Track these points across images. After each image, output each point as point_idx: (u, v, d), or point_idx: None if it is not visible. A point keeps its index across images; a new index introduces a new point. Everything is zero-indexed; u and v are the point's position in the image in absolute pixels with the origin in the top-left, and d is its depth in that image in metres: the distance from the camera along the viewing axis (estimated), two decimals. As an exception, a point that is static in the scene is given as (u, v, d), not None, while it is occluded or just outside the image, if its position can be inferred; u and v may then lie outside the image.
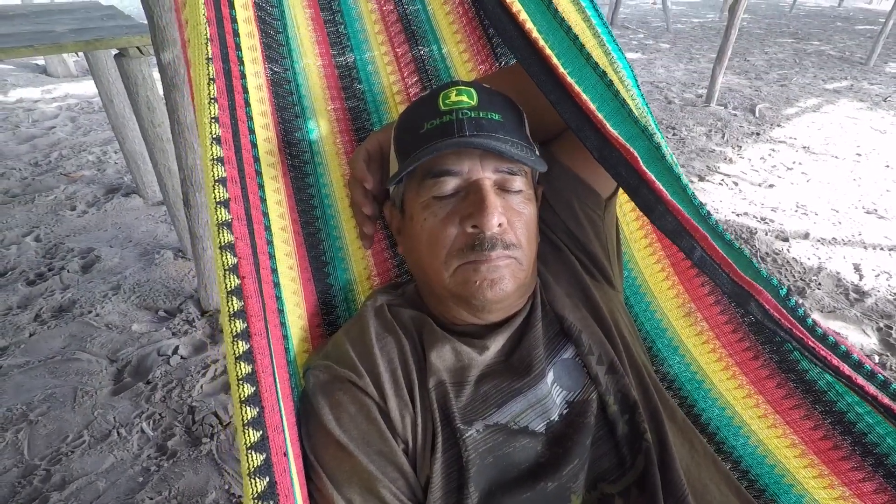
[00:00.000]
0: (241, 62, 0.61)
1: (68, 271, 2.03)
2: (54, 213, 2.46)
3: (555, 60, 0.58)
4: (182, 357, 1.64)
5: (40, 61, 4.83)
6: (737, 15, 3.61)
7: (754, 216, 2.49)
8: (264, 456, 0.35)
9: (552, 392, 0.63)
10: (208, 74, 0.41)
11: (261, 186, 0.61)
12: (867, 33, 7.41)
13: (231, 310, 0.38)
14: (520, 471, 0.59)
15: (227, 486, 1.24)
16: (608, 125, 0.57)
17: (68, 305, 1.85)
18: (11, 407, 1.43)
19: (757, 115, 3.90)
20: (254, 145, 0.61)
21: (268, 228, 0.61)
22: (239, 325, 0.37)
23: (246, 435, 0.35)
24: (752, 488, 0.73)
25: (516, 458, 0.59)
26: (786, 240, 2.29)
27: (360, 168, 0.72)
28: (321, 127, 0.78)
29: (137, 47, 1.61)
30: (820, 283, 1.98)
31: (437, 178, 0.61)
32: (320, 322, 0.74)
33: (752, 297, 0.55)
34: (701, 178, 2.88)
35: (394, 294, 0.73)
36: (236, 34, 0.60)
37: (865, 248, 2.24)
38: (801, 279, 2.01)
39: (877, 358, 1.62)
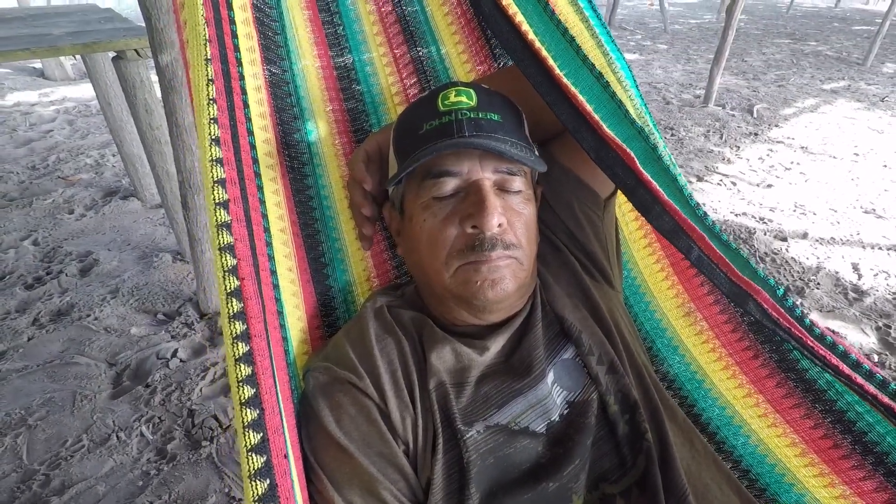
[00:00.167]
0: (240, 63, 0.61)
1: (66, 275, 2.03)
2: (52, 217, 2.45)
3: (551, 62, 0.58)
4: (181, 360, 1.63)
5: (38, 65, 4.83)
6: (734, 16, 3.62)
7: (753, 216, 2.49)
8: (265, 458, 0.35)
9: (552, 392, 0.63)
10: (207, 75, 0.41)
11: (260, 188, 0.61)
12: (864, 34, 7.44)
13: (231, 311, 0.38)
14: (521, 471, 0.58)
15: (227, 490, 1.24)
16: (604, 126, 0.57)
17: (67, 309, 1.85)
18: (10, 412, 1.43)
19: (755, 115, 3.91)
20: (253, 147, 0.61)
21: (267, 230, 0.61)
22: (239, 327, 0.37)
23: (246, 437, 0.35)
24: (752, 487, 0.73)
25: (517, 458, 0.59)
26: (784, 239, 2.29)
27: (360, 169, 0.72)
28: (320, 128, 0.78)
29: (135, 50, 1.61)
30: (819, 283, 1.99)
31: (437, 179, 0.61)
32: (320, 324, 0.74)
33: (750, 297, 0.55)
34: (699, 179, 2.88)
35: (393, 295, 0.73)
36: (234, 35, 0.60)
37: (864, 247, 2.25)
38: (799, 279, 2.02)
39: (876, 357, 1.62)
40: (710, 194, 2.71)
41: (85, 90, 4.28)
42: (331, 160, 0.77)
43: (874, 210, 2.56)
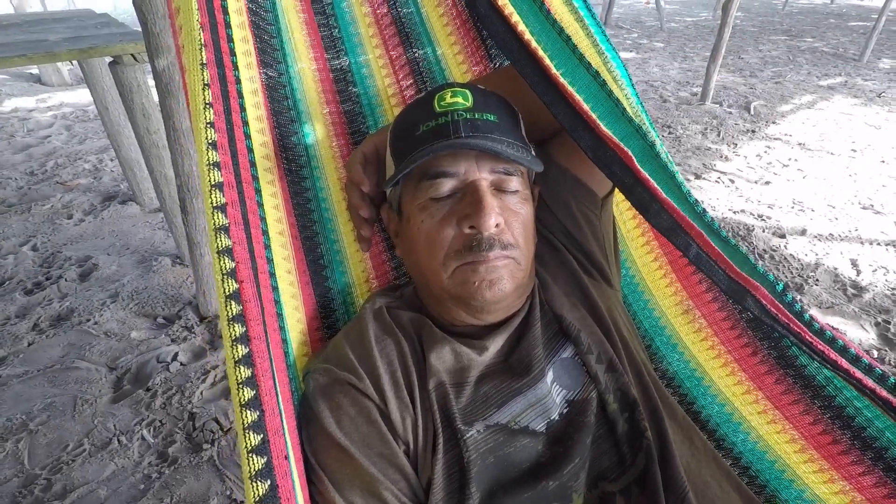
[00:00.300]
0: (236, 67, 0.61)
1: (66, 280, 2.03)
2: (51, 222, 2.45)
3: (548, 62, 0.58)
4: (181, 363, 1.64)
5: (34, 70, 4.83)
6: (730, 13, 3.63)
7: (751, 213, 2.49)
8: (265, 459, 0.35)
9: (552, 391, 0.63)
10: (203, 80, 0.41)
11: (258, 191, 0.61)
12: (860, 29, 7.45)
13: (230, 314, 0.38)
14: (521, 470, 0.59)
15: (228, 492, 1.24)
16: (602, 125, 0.57)
17: (67, 314, 1.85)
18: (11, 417, 1.43)
19: (752, 112, 3.91)
20: (250, 150, 0.61)
21: (265, 233, 0.61)
22: (238, 329, 0.38)
23: (247, 438, 0.35)
24: (752, 484, 0.73)
25: (517, 457, 0.59)
26: (783, 236, 2.29)
27: (357, 171, 0.72)
28: (317, 131, 0.78)
29: (132, 54, 1.61)
30: (818, 279, 1.99)
31: (434, 180, 0.62)
32: (319, 325, 0.74)
33: (748, 293, 0.55)
34: (697, 176, 2.89)
35: (392, 296, 0.73)
36: (230, 39, 0.60)
37: (862, 243, 2.25)
38: (798, 275, 2.02)
39: (875, 353, 1.63)
40: (707, 192, 2.71)
41: (82, 95, 4.28)
42: (328, 162, 0.78)
43: (872, 206, 2.56)
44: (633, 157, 0.56)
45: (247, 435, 0.35)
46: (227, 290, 0.38)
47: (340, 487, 0.55)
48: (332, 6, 0.83)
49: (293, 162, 0.74)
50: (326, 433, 0.57)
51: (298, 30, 0.79)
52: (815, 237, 2.29)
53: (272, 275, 0.60)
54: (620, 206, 0.86)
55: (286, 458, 0.39)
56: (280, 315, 0.61)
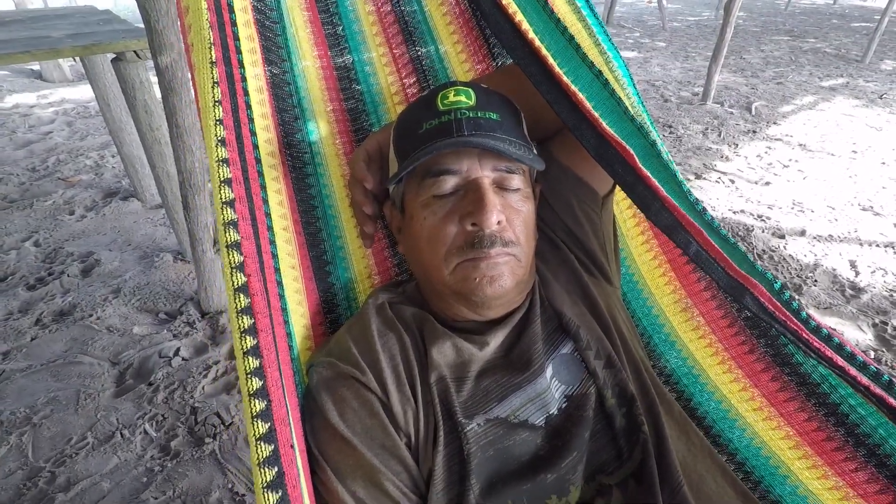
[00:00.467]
0: (242, 65, 0.62)
1: (68, 275, 2.04)
2: (53, 218, 2.46)
3: (551, 60, 0.59)
4: (183, 359, 1.65)
5: (35, 66, 4.83)
6: (732, 13, 3.63)
7: (751, 213, 2.50)
8: (272, 447, 0.36)
9: (551, 386, 0.64)
10: (212, 78, 0.42)
11: (263, 187, 0.62)
12: (863, 30, 7.45)
13: (238, 307, 0.39)
14: (520, 463, 0.60)
15: (230, 485, 1.25)
16: (604, 123, 0.58)
17: (69, 309, 1.86)
18: (15, 410, 1.44)
19: (753, 112, 3.92)
20: (256, 147, 0.62)
21: (270, 228, 0.62)
22: (246, 321, 0.39)
23: (255, 427, 0.36)
24: (747, 479, 0.74)
25: (516, 450, 0.60)
26: (782, 237, 2.30)
27: (360, 168, 0.73)
28: (321, 128, 0.79)
29: (135, 51, 1.61)
30: (816, 280, 2.00)
31: (437, 178, 0.62)
32: (322, 320, 0.75)
33: (747, 291, 0.56)
34: (698, 176, 2.89)
35: (395, 292, 0.74)
36: (236, 38, 0.61)
37: (861, 244, 2.26)
38: (797, 276, 2.03)
39: (872, 353, 1.64)
40: (708, 192, 2.72)
41: (83, 91, 4.29)
42: (332, 159, 0.78)
43: (871, 207, 2.57)
44: (635, 156, 0.57)
45: (255, 423, 0.36)
46: (235, 283, 0.39)
47: (343, 478, 0.56)
48: (336, 4, 0.84)
49: (297, 159, 0.74)
50: (330, 425, 0.58)
51: (302, 28, 0.80)
52: (815, 238, 2.30)
53: (277, 270, 0.61)
54: (621, 204, 0.87)
55: (291, 446, 0.40)
56: (284, 309, 0.62)
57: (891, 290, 1.94)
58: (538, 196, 0.75)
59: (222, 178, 0.40)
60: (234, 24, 0.59)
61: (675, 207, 0.56)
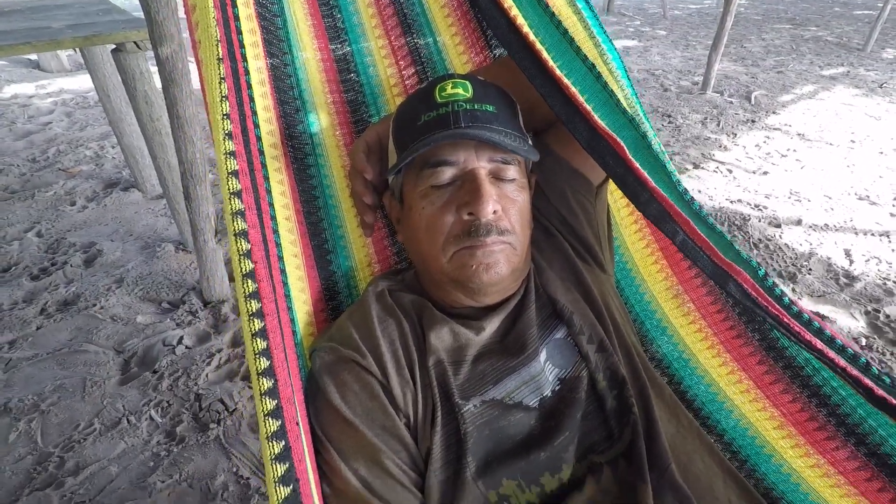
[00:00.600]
0: (245, 59, 0.64)
1: (71, 266, 2.06)
2: (54, 209, 2.48)
3: (545, 54, 0.61)
4: (187, 347, 1.67)
5: (33, 56, 4.80)
6: (733, 1, 3.61)
7: (748, 203, 2.52)
8: (279, 423, 0.39)
9: (545, 370, 0.67)
10: (219, 74, 0.44)
11: (266, 178, 0.64)
12: (865, 18, 7.40)
13: (246, 291, 0.41)
14: (514, 442, 0.62)
15: (234, 469, 1.29)
16: (596, 116, 0.60)
17: (73, 299, 1.88)
18: (23, 398, 1.47)
19: (753, 102, 3.91)
20: (259, 139, 0.64)
21: (274, 218, 0.64)
22: (254, 305, 0.41)
23: (263, 403, 0.39)
24: (734, 459, 0.77)
25: (511, 430, 0.63)
26: (778, 226, 2.32)
27: (360, 159, 0.75)
28: (321, 119, 0.80)
29: (135, 42, 1.62)
30: (811, 269, 2.02)
31: (434, 169, 0.64)
32: (324, 307, 0.77)
33: (731, 278, 0.58)
34: (696, 166, 2.90)
35: (394, 280, 0.76)
36: (239, 31, 0.62)
37: (857, 233, 2.28)
38: (792, 264, 2.05)
39: (864, 341, 1.67)
40: (705, 181, 2.73)
41: (81, 81, 4.27)
42: (332, 150, 0.80)
43: (868, 197, 2.59)
44: (626, 148, 0.59)
45: (263, 400, 0.39)
46: (243, 270, 0.41)
47: (346, 457, 0.59)
48: None
49: (299, 150, 0.76)
50: (332, 407, 0.61)
51: (303, 20, 0.81)
52: (811, 227, 2.32)
53: (280, 258, 0.63)
54: (615, 194, 0.89)
55: (297, 423, 0.42)
56: (288, 296, 0.64)
57: (884, 278, 1.97)
58: (534, 186, 0.77)
59: (230, 170, 0.42)
60: (237, 18, 0.61)
61: (663, 198, 0.58)
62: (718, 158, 3.00)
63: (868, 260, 2.08)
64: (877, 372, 0.55)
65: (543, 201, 0.80)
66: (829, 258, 2.09)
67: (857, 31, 6.56)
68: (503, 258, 0.64)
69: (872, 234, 2.26)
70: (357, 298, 0.80)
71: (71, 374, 1.56)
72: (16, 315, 1.80)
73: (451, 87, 0.65)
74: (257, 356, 0.40)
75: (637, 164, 0.59)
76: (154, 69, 1.52)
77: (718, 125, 3.48)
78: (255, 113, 0.61)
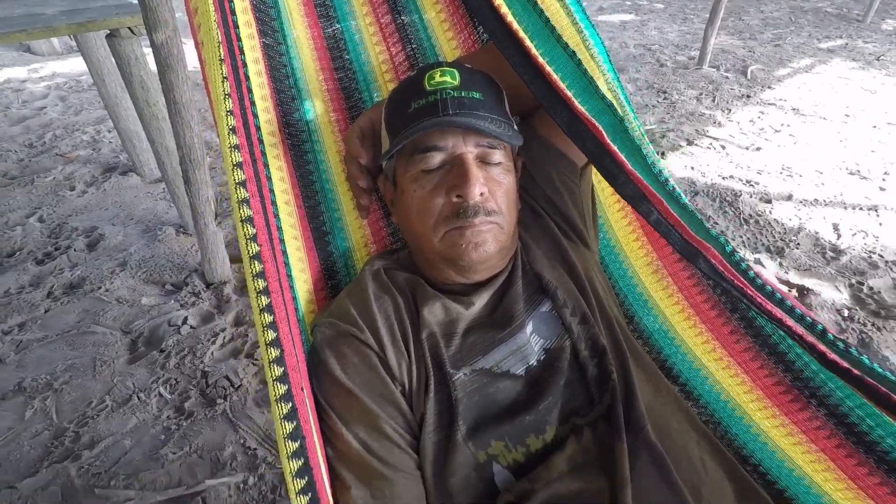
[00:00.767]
0: (242, 52, 0.67)
1: (75, 250, 2.10)
2: (54, 194, 2.50)
3: (528, 42, 0.64)
4: (192, 327, 1.73)
5: (24, 38, 4.74)
6: (729, -26, 3.57)
7: (740, 179, 2.55)
8: (286, 387, 0.44)
9: (531, 341, 0.72)
10: (222, 73, 0.48)
11: (266, 165, 0.68)
12: (865, -12, 7.28)
13: (253, 272, 0.45)
14: (501, 407, 0.68)
15: (242, 441, 1.35)
16: (576, 102, 0.63)
17: (78, 282, 1.93)
18: (36, 377, 1.53)
19: (749, 76, 3.90)
20: (258, 129, 0.67)
21: (274, 203, 0.68)
22: (261, 284, 0.45)
23: (272, 370, 0.43)
24: (709, 422, 0.83)
25: (499, 396, 0.68)
26: (769, 201, 2.36)
27: (355, 145, 0.78)
28: (316, 106, 0.84)
29: (129, 27, 1.63)
30: (799, 243, 2.07)
31: (425, 154, 0.68)
32: (324, 286, 0.82)
33: (701, 254, 0.62)
34: (690, 143, 2.92)
35: (389, 259, 0.81)
36: (236, 25, 0.65)
37: (846, 208, 2.32)
38: (781, 239, 2.10)
39: (846, 312, 1.72)
40: (699, 158, 2.76)
41: (73, 64, 4.24)
42: (328, 136, 0.84)
43: (859, 171, 2.62)
44: (604, 132, 0.63)
45: (272, 367, 0.44)
46: (250, 252, 0.45)
47: (347, 422, 0.64)
48: None
49: (295, 137, 0.80)
50: (334, 378, 0.66)
51: (295, 8, 0.83)
52: (801, 202, 2.36)
53: (282, 241, 0.68)
54: (599, 174, 0.92)
55: (301, 389, 0.47)
56: (290, 276, 0.68)
57: (870, 251, 2.02)
58: (520, 168, 0.81)
59: (234, 162, 0.46)
60: (233, 12, 0.64)
61: (639, 179, 0.62)
62: (712, 134, 3.02)
63: (855, 234, 2.13)
64: (832, 338, 0.59)
65: (530, 182, 0.83)
66: (817, 232, 2.14)
67: (857, 1, 6.47)
68: (491, 237, 0.69)
69: (861, 209, 2.31)
70: (354, 277, 0.84)
71: (81, 355, 1.62)
72: (24, 298, 1.85)
73: (440, 76, 0.68)
74: (266, 328, 0.44)
75: (615, 148, 0.63)
76: (148, 50, 1.53)
77: (713, 101, 3.48)
78: (253, 104, 0.65)
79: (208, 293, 1.87)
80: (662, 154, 2.81)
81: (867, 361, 0.57)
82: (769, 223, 2.20)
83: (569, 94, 0.64)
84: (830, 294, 1.81)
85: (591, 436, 0.68)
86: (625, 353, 0.74)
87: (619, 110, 0.67)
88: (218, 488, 1.25)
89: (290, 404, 0.43)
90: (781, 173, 2.61)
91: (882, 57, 4.37)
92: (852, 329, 1.65)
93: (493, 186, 0.69)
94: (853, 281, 1.86)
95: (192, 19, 0.52)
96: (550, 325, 0.74)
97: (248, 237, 0.46)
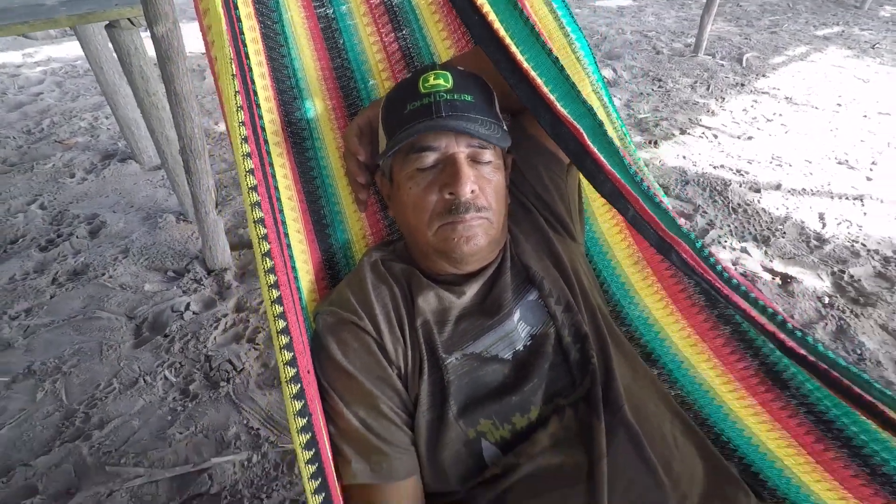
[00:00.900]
0: (247, 55, 0.71)
1: (77, 237, 2.14)
2: (55, 181, 2.53)
3: (514, 49, 0.68)
4: (194, 313, 1.78)
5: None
6: (726, -39, 3.56)
7: (730, 168, 2.60)
8: (295, 370, 0.49)
9: (518, 327, 0.77)
10: (231, 73, 0.52)
11: (271, 164, 0.72)
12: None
13: (265, 266, 0.50)
14: (489, 389, 0.74)
15: (245, 421, 1.42)
16: (559, 105, 0.68)
17: (82, 269, 1.97)
18: (45, 361, 1.58)
19: (744, 64, 3.92)
20: (263, 130, 0.71)
21: (279, 200, 0.73)
22: (272, 278, 0.50)
23: (282, 355, 0.49)
24: (683, 403, 0.89)
25: (487, 379, 0.74)
26: (758, 191, 2.41)
27: (354, 142, 0.83)
28: (317, 105, 0.88)
29: (128, 19, 1.64)
30: (784, 232, 2.13)
31: (419, 154, 0.73)
32: (325, 276, 0.87)
33: (673, 249, 0.67)
34: (682, 132, 2.96)
35: (386, 251, 0.86)
36: (241, 31, 0.69)
37: (832, 197, 2.37)
38: (767, 228, 2.15)
39: (827, 299, 1.79)
40: (691, 147, 2.80)
41: (69, 49, 4.21)
42: (328, 133, 0.88)
43: (847, 161, 2.67)
44: (585, 134, 0.68)
45: (282, 353, 0.49)
46: (262, 250, 0.50)
47: (348, 402, 0.70)
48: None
49: (297, 135, 0.84)
50: (335, 362, 0.71)
51: (297, 13, 0.87)
52: (789, 191, 2.41)
53: (286, 234, 0.73)
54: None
55: (308, 372, 0.53)
56: (294, 268, 0.74)
57: (853, 240, 2.08)
58: (510, 165, 0.86)
59: (247, 169, 0.51)
60: (238, 19, 0.68)
61: (616, 179, 0.67)
62: (705, 124, 3.05)
63: (840, 223, 2.19)
64: (790, 327, 0.65)
65: (520, 179, 0.88)
66: (803, 222, 2.19)
67: (856, -13, 6.44)
68: (481, 231, 0.74)
69: (847, 198, 2.36)
70: (354, 268, 0.89)
71: (87, 339, 1.67)
72: (29, 285, 1.89)
73: (434, 79, 0.73)
74: (277, 318, 0.49)
75: (594, 149, 0.68)
76: (147, 38, 1.55)
77: (708, 89, 3.51)
78: (258, 106, 0.69)
79: (209, 280, 1.92)
80: (655, 143, 2.85)
81: (821, 348, 0.63)
82: (757, 212, 2.26)
83: (552, 97, 0.68)
84: (812, 282, 1.87)
85: (572, 415, 0.74)
86: (606, 339, 0.79)
87: (599, 113, 0.72)
88: (223, 466, 1.32)
89: (299, 386, 0.49)
90: (771, 163, 2.65)
91: (877, 45, 4.38)
92: (832, 316, 1.72)
93: (483, 184, 0.74)
94: (835, 269, 1.93)
95: (206, 35, 0.56)
96: (536, 313, 0.79)
97: (260, 236, 0.50)
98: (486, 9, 0.69)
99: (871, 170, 2.59)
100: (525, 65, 0.67)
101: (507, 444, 0.72)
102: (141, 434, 1.39)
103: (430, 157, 0.73)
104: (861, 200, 2.34)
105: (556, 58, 0.70)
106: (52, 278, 1.92)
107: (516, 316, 0.78)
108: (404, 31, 0.95)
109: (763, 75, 3.75)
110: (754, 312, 0.65)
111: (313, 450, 0.49)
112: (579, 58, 0.81)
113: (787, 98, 3.39)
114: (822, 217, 2.23)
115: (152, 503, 1.24)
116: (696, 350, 0.86)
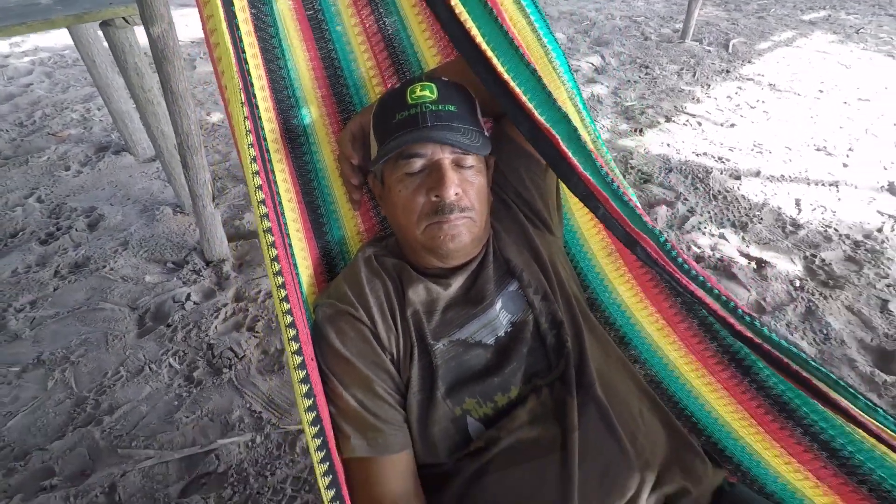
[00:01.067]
0: (247, 62, 0.77)
1: (76, 230, 2.18)
2: (50, 174, 2.56)
3: (495, 61, 0.75)
4: (195, 303, 1.85)
5: (0, 9, 4.63)
6: (713, -53, 3.59)
7: (712, 156, 2.67)
8: (301, 359, 0.57)
9: (499, 315, 0.85)
10: (238, 86, 0.58)
11: (272, 171, 0.79)
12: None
13: (271, 256, 0.57)
14: (474, 371, 0.82)
15: (248, 405, 1.50)
16: (536, 113, 0.75)
17: (83, 262, 2.03)
18: (53, 351, 1.65)
19: (730, 50, 3.98)
20: (263, 138, 0.78)
21: (280, 204, 0.79)
22: (276, 267, 0.57)
23: (290, 345, 0.56)
24: (651, 382, 0.98)
25: (472, 362, 0.82)
26: (738, 178, 2.49)
27: (347, 147, 0.89)
28: (312, 112, 0.94)
29: (123, 17, 1.67)
30: (762, 218, 2.21)
31: (408, 160, 0.80)
32: (322, 270, 0.94)
33: (638, 243, 0.75)
34: (667, 119, 3.03)
35: (379, 246, 0.93)
36: (240, 40, 0.75)
37: (809, 184, 2.46)
38: (745, 215, 2.24)
39: (798, 282, 1.89)
40: (675, 135, 2.87)
41: (56, 38, 4.18)
42: (323, 139, 0.95)
43: (825, 148, 2.75)
44: (560, 140, 0.75)
45: (290, 343, 0.56)
46: (267, 241, 0.57)
47: (346, 385, 0.78)
48: (320, 2, 0.96)
49: (295, 140, 0.90)
50: (334, 349, 0.79)
51: (292, 25, 0.92)
52: (768, 178, 2.49)
53: (287, 234, 0.79)
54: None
55: (311, 359, 0.60)
56: (295, 264, 0.81)
57: (826, 225, 2.17)
58: (492, 166, 0.93)
59: (256, 185, 0.58)
60: (237, 28, 0.73)
61: (588, 180, 0.74)
62: (690, 111, 3.12)
63: (815, 209, 2.28)
64: (741, 313, 0.73)
65: (502, 178, 0.95)
66: (779, 208, 2.28)
67: (844, -30, 6.46)
68: (465, 230, 0.81)
69: (823, 185, 2.45)
70: (349, 262, 0.96)
71: (93, 330, 1.74)
72: (31, 278, 1.95)
73: (420, 90, 0.79)
74: (285, 314, 0.57)
75: (569, 153, 0.75)
76: (144, 41, 1.58)
77: (694, 76, 3.57)
78: (259, 118, 0.75)
79: (208, 270, 1.99)
80: (641, 131, 2.92)
81: (766, 332, 0.71)
82: (736, 199, 2.34)
83: (530, 105, 0.75)
84: (785, 266, 1.97)
85: (548, 393, 0.82)
86: (580, 325, 0.87)
87: (573, 119, 0.78)
88: (229, 447, 1.40)
89: (305, 372, 0.56)
90: (752, 150, 2.73)
91: (861, 30, 4.44)
92: (801, 298, 1.82)
93: (466, 187, 0.81)
94: (807, 254, 2.02)
95: (212, 52, 0.62)
96: (517, 302, 0.87)
97: (265, 230, 0.58)
98: (470, 24, 0.75)
99: (847, 156, 2.67)
100: (505, 76, 0.74)
101: (490, 420, 0.80)
102: (149, 418, 1.47)
103: (418, 163, 0.80)
104: (836, 186, 2.43)
105: (534, 69, 0.76)
106: (54, 271, 1.97)
107: (498, 305, 0.86)
108: (394, 42, 1.00)
109: (748, 61, 3.81)
110: (709, 299, 0.73)
111: (318, 426, 0.57)
112: (555, 67, 0.88)
113: (770, 85, 3.46)
114: (798, 203, 2.32)
115: (164, 482, 1.33)
116: (664, 334, 0.95)
